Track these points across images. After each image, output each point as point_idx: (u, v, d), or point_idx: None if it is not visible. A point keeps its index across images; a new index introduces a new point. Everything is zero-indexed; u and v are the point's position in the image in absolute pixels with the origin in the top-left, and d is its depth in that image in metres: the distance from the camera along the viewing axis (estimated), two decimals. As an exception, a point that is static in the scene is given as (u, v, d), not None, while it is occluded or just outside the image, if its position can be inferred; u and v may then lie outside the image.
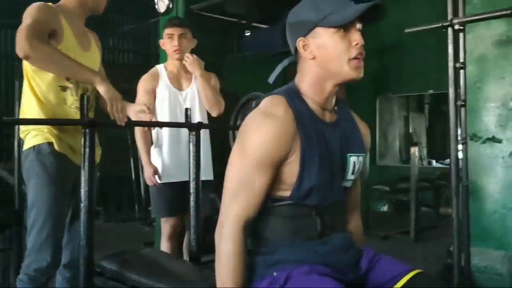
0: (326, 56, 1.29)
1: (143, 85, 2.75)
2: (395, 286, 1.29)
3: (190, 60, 2.69)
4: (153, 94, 2.73)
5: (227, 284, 1.23)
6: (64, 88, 1.99)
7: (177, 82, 2.77)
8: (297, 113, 1.28)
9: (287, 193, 1.29)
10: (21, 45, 1.76)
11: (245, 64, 6.98)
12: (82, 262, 1.77)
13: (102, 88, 1.87)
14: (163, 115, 2.69)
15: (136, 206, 5.74)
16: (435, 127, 8.32)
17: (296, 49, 1.34)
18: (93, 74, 1.91)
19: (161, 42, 2.83)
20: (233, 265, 1.23)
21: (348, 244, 1.38)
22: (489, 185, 2.45)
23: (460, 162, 2.20)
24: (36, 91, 1.97)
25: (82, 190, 1.77)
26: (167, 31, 2.74)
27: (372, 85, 7.02)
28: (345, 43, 1.28)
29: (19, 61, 1.92)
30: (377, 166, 6.82)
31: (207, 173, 2.70)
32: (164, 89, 2.73)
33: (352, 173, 1.38)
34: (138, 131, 2.75)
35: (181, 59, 2.74)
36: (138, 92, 2.74)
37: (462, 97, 2.05)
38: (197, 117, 2.67)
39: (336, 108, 1.40)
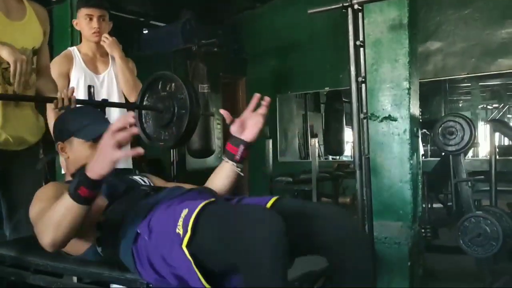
0: (78, 159, 1.60)
1: (56, 68, 2.53)
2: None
3: (109, 41, 2.54)
4: (67, 77, 2.54)
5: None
6: None
7: (92, 65, 2.61)
8: None
9: None
10: None
11: (144, 62, 6.83)
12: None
13: (4, 52, 1.72)
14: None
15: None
16: (331, 126, 8.74)
17: None
18: None
19: (74, 22, 2.63)
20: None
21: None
22: (387, 161, 2.62)
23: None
24: None
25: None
26: (85, 11, 2.54)
27: (272, 84, 7.22)
28: (93, 151, 1.52)
29: None
30: (279, 162, 7.02)
31: (126, 161, 2.61)
32: (79, 72, 2.55)
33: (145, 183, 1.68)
34: (50, 113, 2.51)
35: (99, 42, 2.58)
36: (53, 75, 2.52)
37: (363, 74, 2.17)
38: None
39: None
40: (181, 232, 1.15)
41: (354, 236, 1.28)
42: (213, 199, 1.25)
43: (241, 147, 1.54)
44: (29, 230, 1.92)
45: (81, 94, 2.50)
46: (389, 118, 2.60)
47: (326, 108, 8.91)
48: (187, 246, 1.13)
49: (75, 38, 4.06)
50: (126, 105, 2.47)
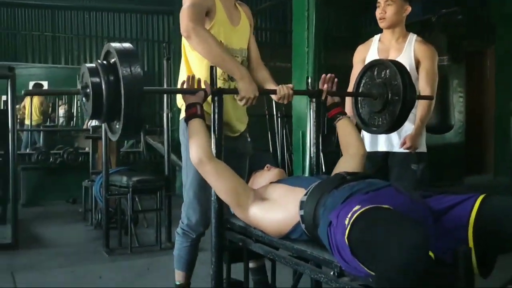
0: None
1: (355, 55, 2.80)
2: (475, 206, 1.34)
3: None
4: (363, 62, 2.65)
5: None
6: None
7: (385, 51, 2.69)
8: None
9: None
10: (185, 26, 1.95)
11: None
12: (214, 219, 1.96)
13: (240, 85, 1.98)
14: None
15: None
16: None
17: None
18: (237, 69, 2.00)
19: None
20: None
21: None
22: None
23: None
24: (190, 65, 2.18)
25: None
26: None
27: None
28: None
29: (168, 44, 2.18)
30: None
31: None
32: (371, 56, 2.69)
33: None
34: None
35: (386, 27, 2.66)
36: (353, 62, 2.81)
37: None
38: None
39: None
40: (346, 223, 1.30)
41: None
42: (386, 205, 1.33)
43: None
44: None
45: None
46: None
47: None
48: (347, 237, 1.28)
49: (310, 22, 4.31)
50: (342, 93, 2.46)
